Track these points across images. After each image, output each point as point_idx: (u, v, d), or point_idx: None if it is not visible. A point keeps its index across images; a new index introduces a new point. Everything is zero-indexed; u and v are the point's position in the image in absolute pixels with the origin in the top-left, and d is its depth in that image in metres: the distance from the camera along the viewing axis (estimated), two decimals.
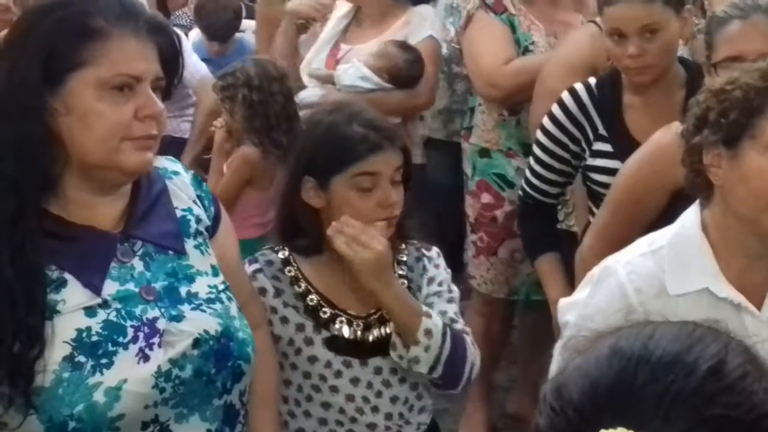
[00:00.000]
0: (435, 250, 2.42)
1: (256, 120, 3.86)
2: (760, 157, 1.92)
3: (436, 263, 2.39)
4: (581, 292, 2.17)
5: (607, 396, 0.97)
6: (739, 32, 2.47)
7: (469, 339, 2.32)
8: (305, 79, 4.09)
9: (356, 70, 3.93)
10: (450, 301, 2.36)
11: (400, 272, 2.32)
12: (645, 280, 2.03)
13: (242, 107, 3.87)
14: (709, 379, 0.95)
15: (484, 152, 3.90)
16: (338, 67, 4.00)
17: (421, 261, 2.37)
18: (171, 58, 1.82)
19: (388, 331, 2.27)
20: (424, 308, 2.24)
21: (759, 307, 2.01)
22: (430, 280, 2.36)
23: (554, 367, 1.87)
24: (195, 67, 4.82)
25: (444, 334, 2.23)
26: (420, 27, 4.01)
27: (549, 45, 3.70)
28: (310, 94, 4.00)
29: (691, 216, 2.06)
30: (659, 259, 2.04)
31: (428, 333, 2.22)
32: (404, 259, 2.35)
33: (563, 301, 2.22)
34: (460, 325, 2.34)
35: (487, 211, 3.90)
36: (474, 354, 2.31)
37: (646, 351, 0.98)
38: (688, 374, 0.95)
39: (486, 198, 3.89)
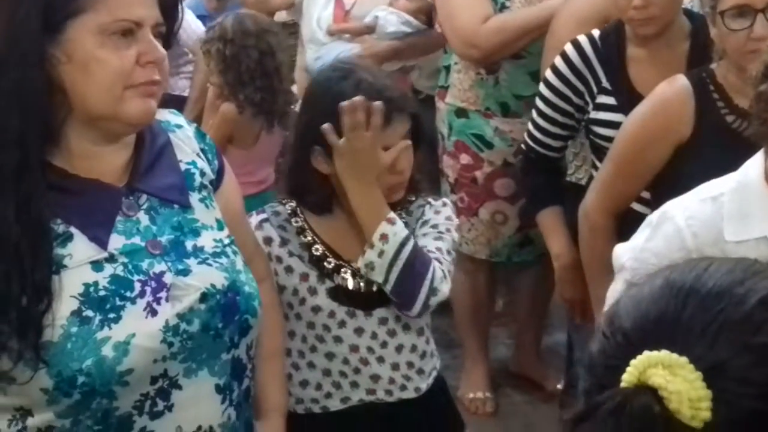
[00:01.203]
0: (443, 201, 2.41)
1: (229, 74, 3.83)
2: None
3: (437, 210, 2.37)
4: (639, 235, 2.15)
5: (655, 323, 0.99)
6: None
7: (438, 265, 2.25)
8: (320, 36, 4.02)
9: (398, 16, 3.89)
10: (437, 239, 2.33)
11: (399, 215, 2.30)
12: (703, 225, 2.01)
13: (218, 62, 3.85)
14: (759, 309, 0.96)
15: (461, 112, 3.84)
16: (377, 15, 3.94)
17: (422, 208, 2.36)
18: (170, 4, 1.79)
19: None
20: (390, 215, 2.21)
21: None
22: (424, 223, 2.34)
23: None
24: (191, 26, 4.79)
25: (402, 244, 2.19)
26: None
27: (525, 1, 3.63)
28: (343, 49, 3.92)
29: (754, 164, 2.03)
30: (719, 205, 2.02)
31: (384, 237, 2.19)
32: (408, 207, 2.35)
33: (619, 246, 2.20)
34: (437, 256, 2.29)
35: (467, 172, 3.85)
36: (440, 280, 2.24)
37: (698, 283, 1.00)
38: (737, 304, 0.96)
39: (465, 159, 3.84)
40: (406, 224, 2.29)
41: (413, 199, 2.36)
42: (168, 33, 1.79)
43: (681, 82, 2.55)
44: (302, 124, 2.32)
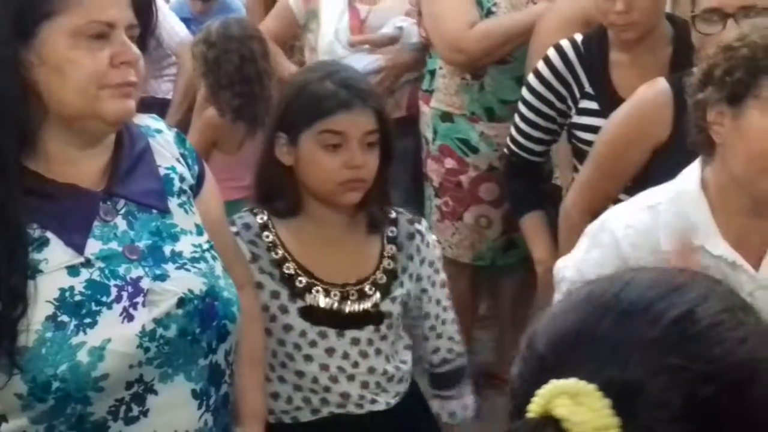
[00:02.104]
0: (425, 224, 2.41)
1: (210, 78, 3.83)
2: (762, 118, 1.90)
3: (428, 241, 2.37)
4: (579, 247, 2.16)
5: (569, 345, 0.95)
6: None
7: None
8: (338, 49, 3.99)
9: (419, 26, 3.90)
10: (443, 285, 2.38)
11: (388, 251, 2.30)
12: (640, 235, 2.03)
13: (200, 63, 3.85)
14: (673, 328, 0.92)
15: (446, 116, 3.83)
16: (401, 26, 3.95)
17: (414, 240, 2.34)
18: (144, 6, 1.78)
19: (365, 306, 2.25)
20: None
21: (756, 267, 2.01)
22: (422, 262, 2.35)
23: None
24: (174, 28, 4.78)
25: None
26: None
27: (512, 6, 3.63)
28: (367, 61, 3.91)
29: (691, 173, 2.05)
30: (656, 215, 2.04)
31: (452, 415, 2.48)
32: (394, 234, 2.33)
33: (562, 259, 2.21)
34: (450, 312, 2.43)
35: (452, 176, 3.85)
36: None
37: (616, 298, 0.96)
38: (652, 322, 0.92)
39: (449, 163, 3.84)
40: (396, 260, 2.30)
41: (392, 216, 2.34)
42: (143, 34, 1.78)
43: (661, 85, 2.56)
44: (271, 113, 2.34)
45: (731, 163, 1.96)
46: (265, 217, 2.27)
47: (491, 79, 3.70)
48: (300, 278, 2.23)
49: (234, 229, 2.24)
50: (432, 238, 2.40)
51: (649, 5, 2.79)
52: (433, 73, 3.89)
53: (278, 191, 2.26)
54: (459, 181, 3.83)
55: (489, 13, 3.63)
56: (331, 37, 3.97)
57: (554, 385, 0.91)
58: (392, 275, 2.30)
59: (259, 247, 2.25)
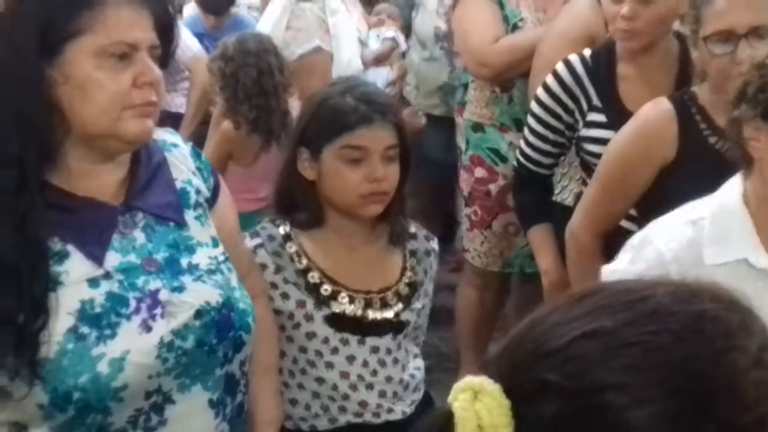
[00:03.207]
0: (436, 242, 2.46)
1: (227, 91, 3.88)
2: None
3: (435, 258, 2.44)
4: (622, 257, 2.18)
5: (510, 345, 0.98)
6: (728, 6, 2.47)
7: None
8: (356, 69, 4.04)
9: (400, 35, 4.00)
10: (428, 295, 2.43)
11: (410, 264, 2.36)
12: (683, 249, 2.04)
13: (218, 78, 3.90)
14: (570, 346, 0.93)
15: (477, 127, 3.92)
16: (393, 36, 4.04)
17: (430, 257, 2.41)
18: (166, 26, 1.82)
19: (387, 315, 2.29)
20: None
21: None
22: (431, 279, 2.41)
23: None
24: (186, 43, 4.82)
25: None
26: None
27: (538, 21, 3.70)
28: (382, 72, 3.99)
29: (733, 187, 2.06)
30: (699, 228, 2.04)
31: None
32: (414, 247, 2.39)
33: (606, 268, 2.22)
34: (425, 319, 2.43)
35: (481, 185, 3.92)
36: None
37: (552, 314, 0.98)
38: (558, 337, 0.94)
39: (479, 172, 3.92)
40: (416, 273, 2.35)
41: (412, 230, 2.39)
42: (164, 54, 1.82)
43: (664, 105, 2.58)
44: (294, 127, 2.37)
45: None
46: (288, 228, 2.31)
47: (519, 92, 3.77)
48: (325, 286, 2.27)
49: (258, 240, 2.28)
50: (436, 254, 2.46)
51: (654, 16, 2.81)
52: (466, 86, 4.00)
53: (300, 204, 2.30)
54: (488, 189, 3.90)
55: (515, 28, 3.72)
56: (358, 62, 4.03)
57: (465, 380, 0.94)
58: (413, 288, 2.35)
59: (283, 257, 2.28)
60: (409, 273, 2.35)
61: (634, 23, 2.80)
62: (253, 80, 3.84)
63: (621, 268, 2.14)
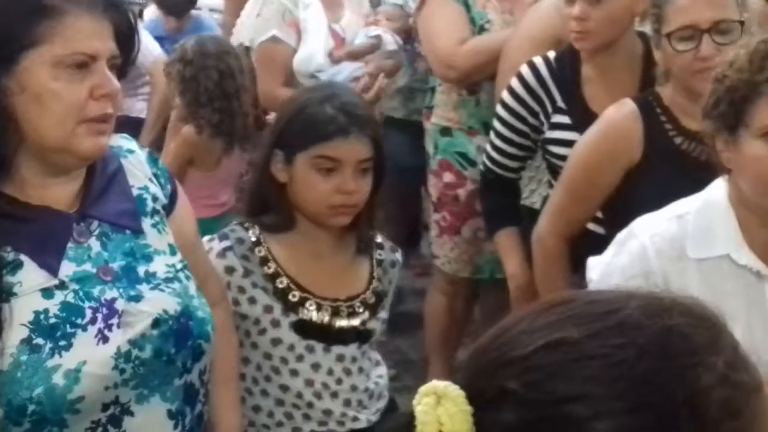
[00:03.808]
0: (401, 253, 2.46)
1: (188, 95, 3.83)
2: (754, 145, 1.92)
3: (399, 269, 2.44)
4: (608, 251, 2.17)
5: (478, 350, 0.97)
6: (690, 2, 2.48)
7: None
8: (326, 66, 4.00)
9: (391, 35, 3.96)
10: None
11: (377, 273, 2.35)
12: (667, 242, 2.03)
13: (177, 82, 3.85)
14: (533, 355, 0.92)
15: (445, 131, 3.89)
16: (378, 34, 3.98)
17: (395, 267, 2.40)
18: (126, 36, 1.79)
19: (354, 323, 2.28)
20: None
21: None
22: (392, 291, 2.40)
23: None
24: (147, 47, 4.77)
25: None
26: None
27: (505, 23, 3.68)
28: (354, 67, 3.92)
29: (719, 185, 2.06)
30: (684, 224, 2.04)
31: None
32: (381, 257, 2.38)
33: (592, 259, 2.22)
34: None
35: (450, 190, 3.89)
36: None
37: (520, 322, 0.97)
38: (524, 345, 0.93)
39: (448, 177, 3.89)
40: (381, 283, 2.34)
41: (378, 240, 2.38)
42: (123, 64, 1.79)
43: (628, 106, 2.58)
44: (271, 128, 2.36)
45: (742, 186, 1.98)
46: (257, 232, 2.29)
47: (486, 94, 3.74)
48: (294, 292, 2.25)
49: (227, 242, 2.26)
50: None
51: (604, 16, 2.81)
52: (433, 90, 3.96)
53: (271, 206, 2.28)
54: (457, 194, 3.87)
55: (482, 30, 3.69)
56: (321, 59, 3.96)
57: (430, 384, 0.94)
58: (379, 297, 2.34)
59: (252, 261, 2.26)
60: (375, 282, 2.34)
61: (585, 24, 2.80)
62: (215, 83, 3.80)
63: (605, 260, 2.14)
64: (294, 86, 3.87)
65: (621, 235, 2.14)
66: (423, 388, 0.94)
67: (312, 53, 3.93)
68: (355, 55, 3.98)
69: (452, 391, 0.92)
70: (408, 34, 4.09)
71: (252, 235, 2.28)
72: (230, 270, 2.24)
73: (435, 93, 3.94)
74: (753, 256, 2.00)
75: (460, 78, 3.73)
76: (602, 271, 2.13)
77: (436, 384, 0.93)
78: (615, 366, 0.90)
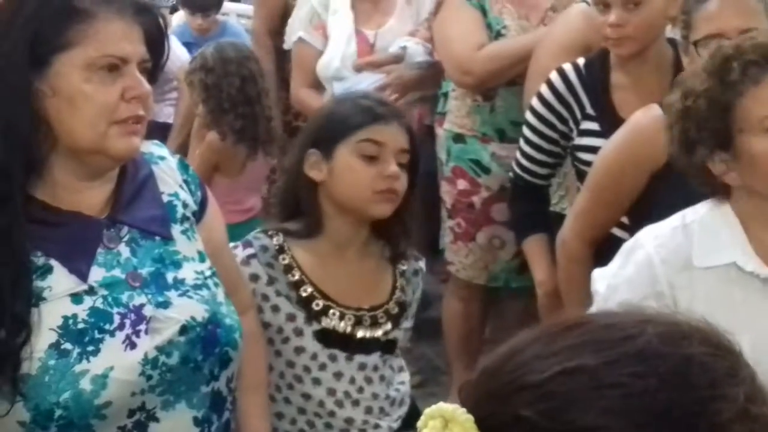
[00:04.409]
0: (423, 262, 2.44)
1: (211, 102, 3.84)
2: (760, 141, 1.91)
3: (422, 278, 2.42)
4: (614, 262, 2.16)
5: (487, 373, 0.95)
6: (718, 10, 2.47)
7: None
8: (346, 73, 3.98)
9: (424, 46, 3.92)
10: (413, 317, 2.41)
11: (400, 283, 2.34)
12: (672, 252, 2.02)
13: (200, 91, 3.86)
14: (548, 382, 0.90)
15: (458, 138, 3.85)
16: (405, 45, 3.96)
17: (417, 276, 2.39)
18: (156, 40, 1.80)
19: (376, 334, 2.27)
20: None
21: None
22: (417, 300, 2.40)
23: None
24: (176, 53, 4.79)
25: None
26: None
27: (521, 28, 3.66)
28: (373, 80, 3.91)
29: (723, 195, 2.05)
30: (689, 233, 2.03)
31: None
32: (404, 267, 2.37)
33: (597, 271, 2.21)
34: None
35: (464, 197, 3.86)
36: None
37: (529, 340, 0.95)
38: (539, 371, 0.90)
39: (462, 184, 3.86)
40: (405, 293, 2.33)
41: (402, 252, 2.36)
42: (154, 68, 1.80)
43: (655, 111, 2.56)
44: (303, 131, 2.37)
45: (759, 189, 1.96)
46: (281, 239, 2.28)
47: (502, 101, 3.72)
48: (317, 301, 2.25)
49: (251, 250, 2.25)
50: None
51: (643, 21, 2.79)
52: (446, 95, 3.93)
53: (303, 209, 2.28)
54: (471, 202, 3.85)
55: (498, 35, 3.67)
56: (338, 63, 3.97)
57: (436, 407, 0.92)
58: (402, 307, 2.33)
59: (276, 269, 2.25)
60: (399, 293, 2.33)
61: (623, 30, 2.79)
62: (237, 89, 3.81)
63: (611, 272, 2.13)
64: (320, 89, 3.89)
65: (627, 246, 2.14)
66: (428, 411, 0.92)
67: (330, 60, 3.94)
68: (375, 65, 3.97)
69: (460, 415, 0.91)
70: None
71: (276, 243, 2.27)
72: (255, 278, 2.23)
73: (448, 98, 3.91)
74: (759, 262, 1.99)
75: (476, 84, 3.69)
76: (609, 283, 2.12)
77: (444, 407, 0.92)
78: (634, 397, 0.87)
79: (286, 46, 4.12)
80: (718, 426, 0.87)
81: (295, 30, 4.05)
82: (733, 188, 2.00)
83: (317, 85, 3.99)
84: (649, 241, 2.06)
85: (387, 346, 2.30)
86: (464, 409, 0.91)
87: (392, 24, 4.06)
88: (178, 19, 5.72)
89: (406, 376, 2.42)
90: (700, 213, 2.05)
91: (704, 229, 2.02)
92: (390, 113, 2.24)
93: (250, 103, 3.82)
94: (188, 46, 5.15)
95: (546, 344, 0.93)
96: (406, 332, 2.37)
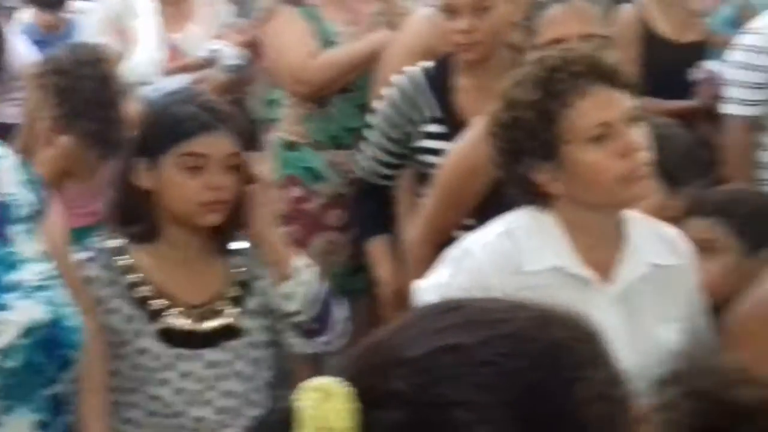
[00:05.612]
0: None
1: (65, 106, 3.75)
2: (584, 152, 1.97)
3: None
4: (439, 272, 2.19)
5: (369, 349, 0.98)
6: (561, 16, 2.54)
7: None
8: (154, 78, 3.96)
9: (234, 49, 3.91)
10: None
11: (233, 262, 2.30)
12: (502, 257, 2.07)
13: (53, 94, 3.77)
14: (426, 357, 0.93)
15: (291, 145, 3.81)
16: (215, 48, 3.95)
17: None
18: None
19: (223, 322, 2.24)
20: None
21: (607, 283, 2.07)
22: (264, 275, 2.34)
23: None
24: (20, 52, 4.67)
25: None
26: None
27: (351, 35, 3.66)
28: (180, 82, 3.89)
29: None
30: (516, 239, 2.08)
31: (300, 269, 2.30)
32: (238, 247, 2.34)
33: (422, 283, 2.23)
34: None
35: (298, 205, 3.86)
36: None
37: (415, 314, 1.00)
38: (415, 346, 0.94)
39: (296, 192, 3.84)
40: (238, 267, 2.31)
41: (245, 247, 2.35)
42: None
43: None
44: (128, 138, 2.32)
45: (585, 198, 2.02)
46: (121, 242, 2.25)
47: (335, 108, 3.73)
48: (156, 300, 2.22)
49: (90, 253, 2.22)
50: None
51: (491, 27, 2.85)
52: (272, 102, 3.93)
53: (135, 216, 2.24)
54: (305, 209, 3.84)
55: (331, 43, 3.68)
56: (148, 67, 3.96)
57: (316, 380, 0.93)
58: (242, 285, 2.29)
59: (114, 271, 2.22)
60: (234, 271, 2.30)
61: (473, 35, 2.84)
62: (92, 91, 3.73)
63: (443, 281, 2.16)
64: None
65: (454, 255, 2.17)
66: (307, 384, 0.92)
67: (136, 64, 3.93)
68: (187, 69, 3.99)
69: (337, 387, 0.92)
70: (256, 50, 4.07)
71: (114, 245, 2.24)
72: (92, 280, 2.19)
73: (274, 106, 3.91)
74: (583, 265, 2.06)
75: (311, 92, 3.66)
76: (443, 294, 2.14)
77: (323, 380, 0.93)
78: (505, 375, 0.91)
79: None
80: (577, 406, 0.91)
81: (92, 37, 4.04)
82: (556, 197, 2.05)
83: None
84: (478, 249, 2.11)
85: (235, 334, 2.25)
86: (342, 382, 0.92)
87: (196, 29, 4.08)
88: (26, 16, 5.57)
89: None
90: (522, 220, 2.10)
91: (529, 235, 2.08)
92: (215, 119, 2.19)
93: (106, 106, 3.75)
94: (38, 44, 5.02)
95: (429, 323, 0.96)
96: (263, 320, 2.30)
